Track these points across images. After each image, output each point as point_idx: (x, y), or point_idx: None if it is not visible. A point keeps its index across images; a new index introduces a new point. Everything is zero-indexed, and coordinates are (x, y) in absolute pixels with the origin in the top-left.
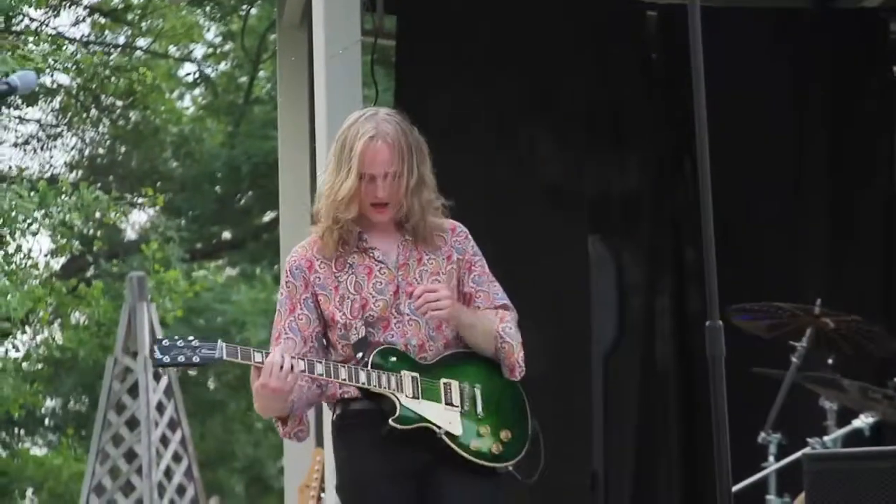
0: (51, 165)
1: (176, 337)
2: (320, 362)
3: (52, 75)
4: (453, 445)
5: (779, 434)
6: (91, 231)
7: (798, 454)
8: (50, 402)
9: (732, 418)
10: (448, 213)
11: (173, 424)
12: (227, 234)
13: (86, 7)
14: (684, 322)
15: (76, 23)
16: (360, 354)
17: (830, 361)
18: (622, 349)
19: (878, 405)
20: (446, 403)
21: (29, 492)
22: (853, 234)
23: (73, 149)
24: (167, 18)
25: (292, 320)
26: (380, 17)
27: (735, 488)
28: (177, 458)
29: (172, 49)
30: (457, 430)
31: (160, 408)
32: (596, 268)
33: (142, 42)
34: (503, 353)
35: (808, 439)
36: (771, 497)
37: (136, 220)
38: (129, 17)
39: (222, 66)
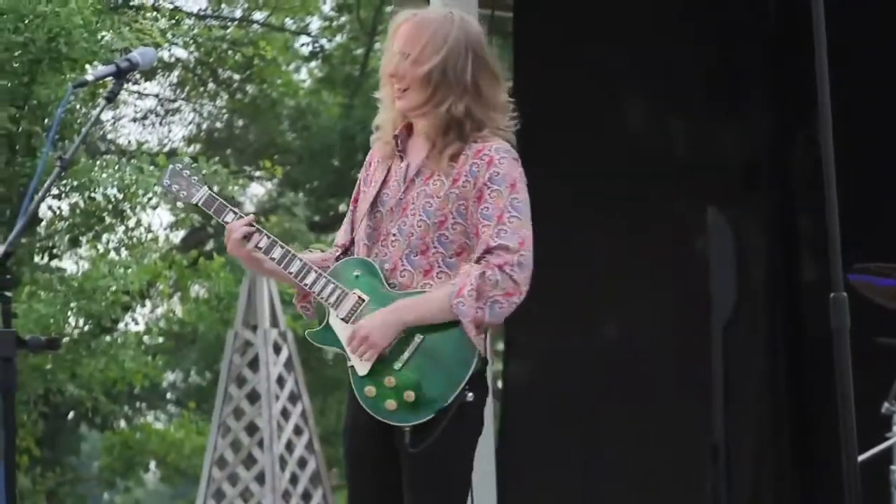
0: (169, 140)
1: (187, 168)
2: (282, 247)
3: (169, 50)
4: (352, 382)
5: None
6: None
7: None
8: (171, 376)
9: (856, 388)
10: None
11: (294, 398)
12: (344, 207)
13: None
14: (799, 291)
15: None
16: (338, 255)
17: None
18: (742, 318)
19: None
20: None
21: (152, 464)
22: None
23: (190, 123)
24: None
25: (353, 208)
26: None
27: (858, 459)
28: (298, 431)
29: (289, 22)
30: (363, 369)
31: (280, 381)
32: (714, 236)
33: (258, 15)
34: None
35: None
36: (895, 468)
37: (255, 192)
38: None
39: (338, 39)
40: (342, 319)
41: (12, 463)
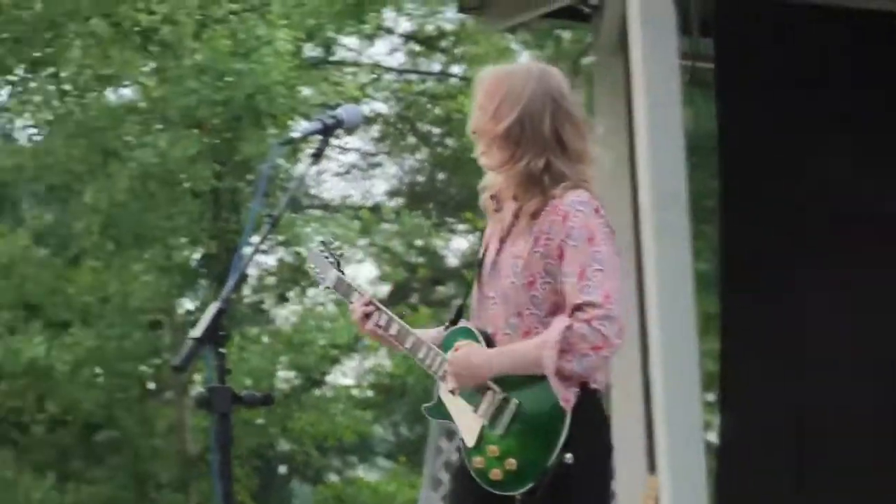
0: (371, 194)
1: (325, 253)
2: (399, 323)
3: (368, 104)
4: (463, 455)
5: None
6: (414, 258)
7: None
8: (380, 429)
9: None
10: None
11: None
12: None
13: (401, 35)
14: None
15: (391, 52)
16: (446, 325)
17: None
18: None
19: None
20: (474, 410)
21: None
22: None
23: (392, 176)
24: (480, 44)
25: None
26: (696, 39)
27: None
28: None
29: None
30: (470, 441)
31: None
32: None
33: (456, 69)
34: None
35: None
36: None
37: (458, 246)
38: (443, 44)
39: None
40: (450, 392)
41: None
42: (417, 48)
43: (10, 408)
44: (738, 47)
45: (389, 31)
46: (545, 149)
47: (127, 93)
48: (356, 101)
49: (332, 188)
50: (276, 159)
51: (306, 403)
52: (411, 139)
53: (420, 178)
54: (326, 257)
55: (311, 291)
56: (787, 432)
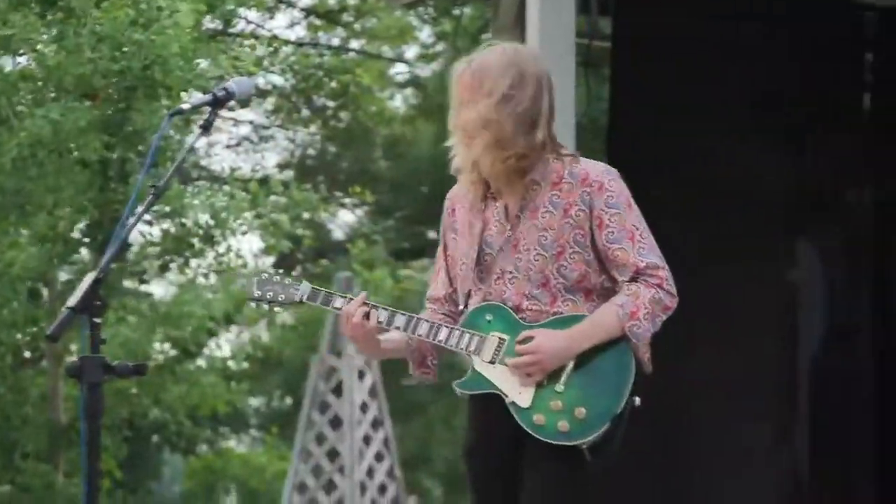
0: (262, 167)
1: (276, 274)
2: (403, 314)
3: (265, 77)
4: (516, 417)
5: None
6: (300, 230)
7: None
8: (254, 401)
9: None
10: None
11: (376, 424)
12: (432, 234)
13: (302, 9)
14: (892, 323)
15: (291, 25)
16: (461, 307)
17: None
18: (830, 352)
19: None
20: None
21: (232, 489)
22: None
23: (284, 150)
24: (381, 19)
25: (444, 259)
26: (594, 18)
27: None
28: (379, 457)
29: (385, 50)
30: (525, 401)
31: (364, 407)
32: (805, 269)
33: (355, 43)
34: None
35: None
36: None
37: (345, 219)
38: (344, 18)
39: (434, 67)
40: (489, 363)
41: (95, 486)
42: (318, 22)
43: None
44: (635, 28)
45: (290, 5)
46: (537, 122)
47: (22, 60)
48: (253, 74)
49: (222, 160)
50: (166, 130)
51: (181, 375)
52: (305, 112)
53: (311, 152)
54: (280, 279)
55: (193, 263)
56: (658, 409)
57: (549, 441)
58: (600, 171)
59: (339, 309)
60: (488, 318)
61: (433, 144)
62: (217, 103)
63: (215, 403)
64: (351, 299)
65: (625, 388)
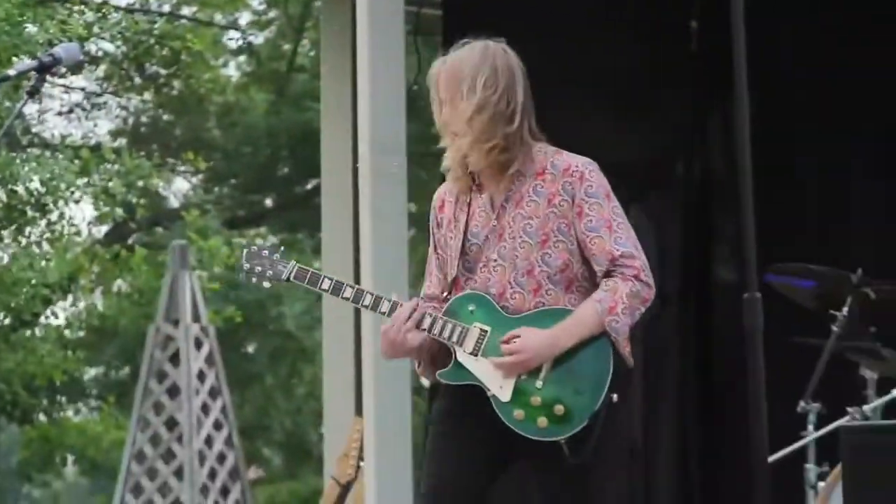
0: (94, 134)
1: (265, 248)
2: (389, 299)
3: (96, 43)
4: (497, 411)
5: (818, 403)
6: (134, 199)
7: (837, 423)
8: (91, 370)
9: (772, 387)
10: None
11: (214, 393)
12: (268, 202)
13: None
14: (718, 291)
15: None
16: (445, 295)
17: (873, 329)
18: (663, 317)
19: None
20: None
21: (70, 459)
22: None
23: (116, 117)
24: None
25: (435, 256)
26: None
27: (773, 457)
28: (217, 426)
29: (217, 17)
30: (505, 395)
31: (201, 376)
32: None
33: (187, 10)
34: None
35: (848, 408)
36: (809, 466)
37: (179, 187)
38: None
39: (267, 34)
40: (470, 354)
41: None
42: None
43: None
44: None
45: None
46: (514, 115)
47: None
48: (83, 40)
49: (54, 127)
50: None
51: (15, 344)
52: (138, 80)
53: (144, 120)
54: (269, 254)
55: (26, 231)
56: None
57: (528, 437)
58: (581, 163)
59: (325, 290)
60: (471, 308)
61: (266, 112)
62: (43, 69)
63: (52, 373)
64: (357, 290)
65: (603, 386)
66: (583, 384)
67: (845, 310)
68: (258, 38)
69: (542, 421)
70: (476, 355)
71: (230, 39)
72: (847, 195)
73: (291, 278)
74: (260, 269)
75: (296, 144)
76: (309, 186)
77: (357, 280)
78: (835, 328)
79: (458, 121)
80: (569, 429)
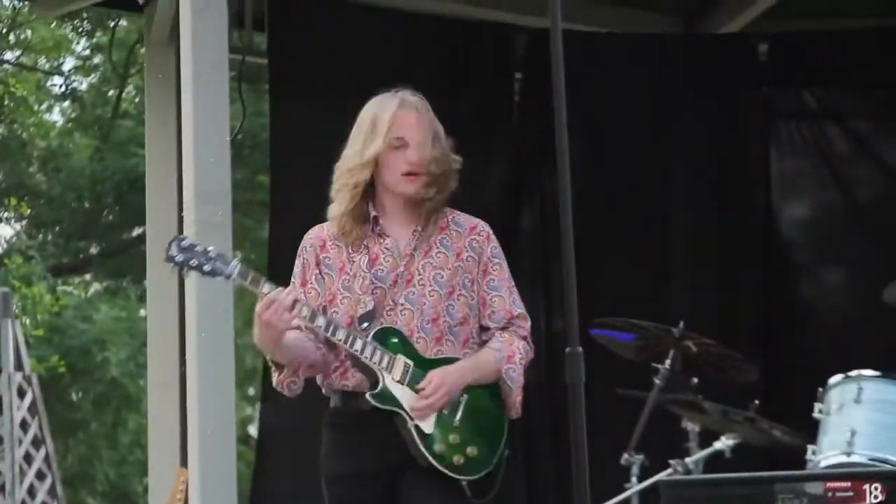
0: None
1: (197, 242)
2: (324, 315)
3: None
4: (419, 442)
5: (641, 455)
6: None
7: (657, 477)
8: None
9: (597, 438)
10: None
11: (37, 442)
12: (93, 249)
13: None
14: (552, 342)
15: None
16: (364, 325)
17: (695, 381)
18: None
19: (738, 427)
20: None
21: None
22: (717, 256)
23: None
24: (36, 31)
25: (302, 293)
26: (249, 34)
27: None
28: (40, 476)
29: (41, 61)
30: (428, 428)
31: (24, 425)
32: None
33: (10, 55)
34: (503, 393)
35: (670, 461)
36: None
37: (2, 233)
38: None
39: (91, 80)
40: (398, 382)
41: None
42: None
43: None
44: (290, 43)
45: None
46: (449, 171)
47: None
48: None
49: None
50: None
51: None
52: None
53: None
54: (202, 249)
55: None
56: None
57: (444, 471)
58: (483, 224)
59: (265, 293)
60: (394, 340)
61: (91, 158)
62: None
63: None
64: (280, 288)
65: (503, 433)
66: (489, 431)
67: (667, 362)
68: (82, 84)
69: (458, 459)
70: (402, 384)
71: (53, 85)
72: (668, 249)
73: (235, 276)
74: (195, 262)
75: (121, 191)
76: (134, 234)
77: (182, 336)
78: (657, 381)
79: (435, 162)
80: (478, 471)
